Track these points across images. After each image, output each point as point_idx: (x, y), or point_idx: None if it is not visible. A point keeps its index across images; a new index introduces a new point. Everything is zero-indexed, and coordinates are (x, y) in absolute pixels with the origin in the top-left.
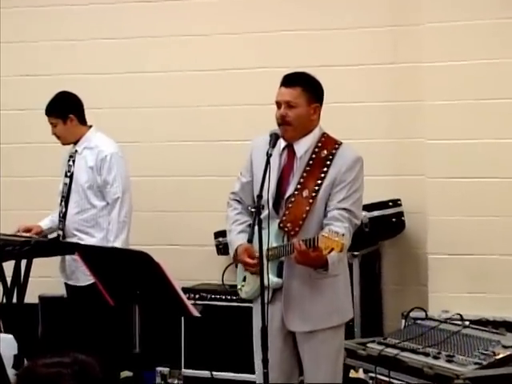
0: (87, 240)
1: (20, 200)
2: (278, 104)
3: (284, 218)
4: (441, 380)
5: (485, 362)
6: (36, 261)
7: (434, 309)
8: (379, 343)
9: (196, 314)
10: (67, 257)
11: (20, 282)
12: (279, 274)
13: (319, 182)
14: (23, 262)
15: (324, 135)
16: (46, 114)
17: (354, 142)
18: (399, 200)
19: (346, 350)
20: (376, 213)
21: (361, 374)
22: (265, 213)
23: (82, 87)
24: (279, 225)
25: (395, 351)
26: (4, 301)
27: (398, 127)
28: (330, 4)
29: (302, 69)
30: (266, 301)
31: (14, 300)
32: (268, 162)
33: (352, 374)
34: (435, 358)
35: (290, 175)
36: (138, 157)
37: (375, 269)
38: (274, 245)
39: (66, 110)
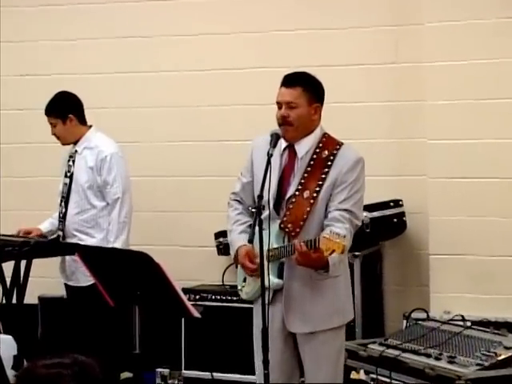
0: (87, 240)
1: (20, 200)
2: (279, 104)
3: (285, 218)
4: (442, 381)
5: (487, 363)
6: (36, 261)
7: (435, 309)
8: (380, 344)
9: (196, 314)
10: (67, 257)
11: (20, 283)
12: (280, 275)
13: (320, 182)
14: (23, 263)
15: (325, 135)
16: (46, 114)
17: (354, 142)
18: (400, 200)
19: (347, 350)
20: (377, 213)
21: (362, 376)
22: (265, 213)
23: (81, 87)
24: (280, 225)
25: (396, 352)
26: (3, 301)
27: (399, 127)
28: (331, 4)
29: (302, 69)
30: (266, 302)
31: (14, 301)
32: (269, 162)
33: (353, 375)
34: (437, 359)
35: (290, 176)
36: (138, 157)
37: (376, 269)
38: (275, 246)
39: (65, 110)
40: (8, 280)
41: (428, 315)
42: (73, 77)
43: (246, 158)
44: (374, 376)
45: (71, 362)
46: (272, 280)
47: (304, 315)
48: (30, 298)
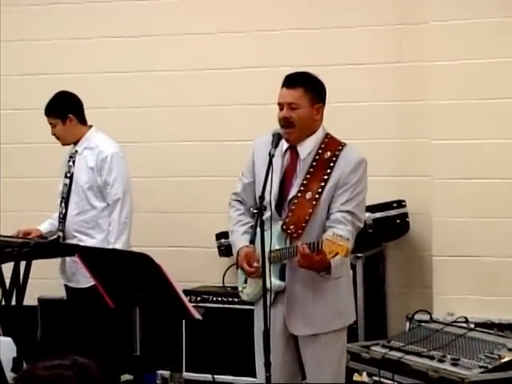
0: (87, 241)
1: (20, 201)
2: (280, 106)
3: (287, 220)
4: None
5: (490, 366)
6: (35, 262)
7: (438, 311)
8: (383, 346)
9: (197, 316)
10: (67, 258)
11: (19, 284)
12: (281, 277)
13: (322, 183)
14: (22, 264)
15: (327, 136)
16: (46, 114)
17: (358, 142)
18: (404, 201)
19: (350, 352)
20: (380, 214)
21: (364, 378)
22: (267, 214)
23: (81, 87)
24: (282, 227)
25: (399, 354)
26: (3, 303)
27: (403, 127)
28: (334, 2)
29: (304, 68)
30: (268, 303)
31: (13, 302)
32: (270, 163)
33: (356, 377)
34: (440, 361)
35: (292, 177)
36: (138, 157)
37: (379, 271)
38: (277, 247)
39: (65, 110)
40: (7, 281)
41: (431, 317)
42: (73, 76)
43: (246, 158)
44: (376, 378)
45: (71, 364)
46: (273, 282)
47: (306, 317)
48: (30, 299)
